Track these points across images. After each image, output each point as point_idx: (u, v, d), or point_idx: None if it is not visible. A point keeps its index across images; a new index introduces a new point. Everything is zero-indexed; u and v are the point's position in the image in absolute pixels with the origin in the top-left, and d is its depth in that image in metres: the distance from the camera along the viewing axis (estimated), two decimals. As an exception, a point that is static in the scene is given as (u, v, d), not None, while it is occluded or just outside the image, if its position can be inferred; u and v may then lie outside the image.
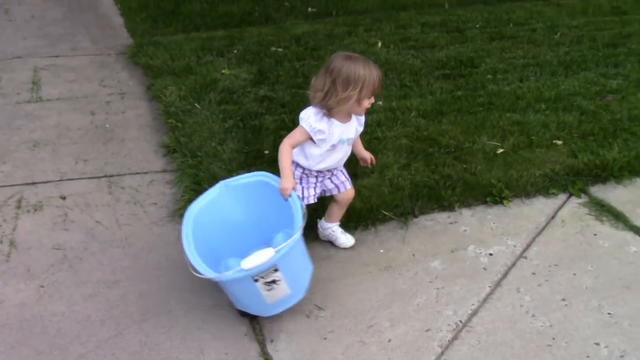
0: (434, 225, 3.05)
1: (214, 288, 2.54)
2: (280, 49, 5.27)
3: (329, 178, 2.68)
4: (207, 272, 2.17)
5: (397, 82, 4.57)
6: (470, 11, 6.71)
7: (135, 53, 5.12)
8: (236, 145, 3.57)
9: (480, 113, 4.05)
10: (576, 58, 5.15)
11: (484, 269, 2.74)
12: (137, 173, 3.44)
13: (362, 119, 2.61)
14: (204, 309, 2.49)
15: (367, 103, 2.42)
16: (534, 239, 2.95)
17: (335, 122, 2.46)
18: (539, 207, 3.21)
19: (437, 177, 3.29)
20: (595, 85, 4.55)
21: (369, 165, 2.85)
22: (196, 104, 4.07)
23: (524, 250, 2.87)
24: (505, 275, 2.71)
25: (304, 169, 2.59)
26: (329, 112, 2.42)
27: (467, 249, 2.87)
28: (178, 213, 3.03)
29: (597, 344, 2.34)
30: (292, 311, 2.46)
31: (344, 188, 2.72)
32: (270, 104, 4.15)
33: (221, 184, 2.56)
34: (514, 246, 2.89)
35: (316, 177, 2.63)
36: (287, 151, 2.44)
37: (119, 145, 3.73)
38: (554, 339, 2.36)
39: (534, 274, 2.71)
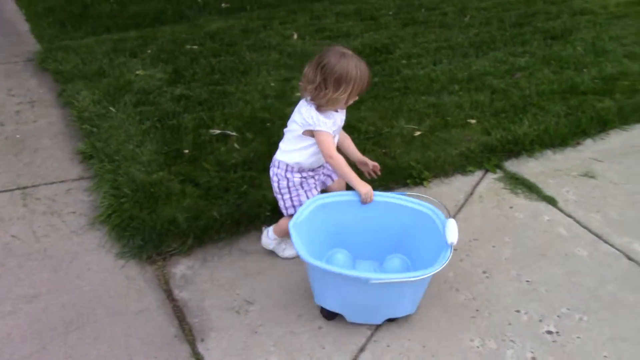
0: (357, 211, 3.09)
1: (140, 293, 2.50)
2: (195, 47, 5.20)
3: (322, 171, 2.67)
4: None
5: (314, 73, 4.59)
6: (383, -1, 6.82)
7: (44, 59, 4.93)
8: (155, 147, 3.51)
9: (397, 98, 4.12)
10: (486, 39, 5.31)
11: (408, 249, 2.80)
12: (52, 183, 3.33)
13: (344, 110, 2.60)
14: (130, 315, 2.44)
15: (352, 100, 2.44)
16: (454, 216, 3.04)
17: (333, 113, 2.47)
18: (458, 185, 3.30)
19: (358, 164, 3.34)
20: (504, 64, 4.71)
21: (372, 173, 2.76)
22: (111, 108, 3.97)
23: (445, 228, 2.95)
24: (428, 253, 2.78)
25: (301, 173, 2.56)
26: (318, 108, 2.41)
27: (392, 232, 2.93)
28: (98, 220, 2.96)
29: (518, 311, 2.44)
30: (221, 308, 2.45)
31: (336, 176, 2.71)
32: (188, 102, 4.10)
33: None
34: (436, 225, 2.97)
35: (313, 176, 2.61)
36: (341, 158, 2.44)
37: (32, 156, 3.60)
38: (477, 310, 2.45)
39: (455, 249, 2.79)
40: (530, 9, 6.30)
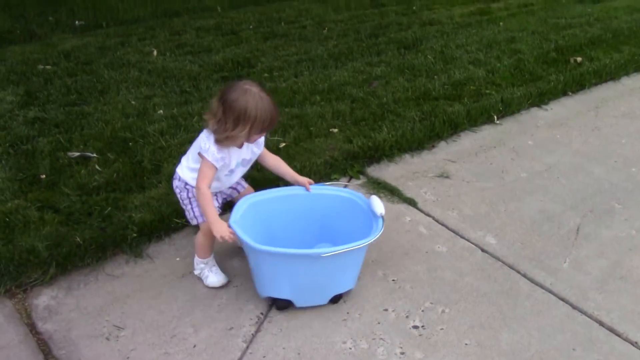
0: (227, 225, 3.10)
1: (-1, 329, 2.36)
2: (48, 67, 4.98)
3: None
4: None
5: (176, 89, 4.55)
6: (243, 13, 6.88)
7: None
8: (8, 174, 3.32)
9: (261, 111, 4.17)
10: (344, 50, 5.51)
11: (279, 259, 2.85)
12: None
13: (260, 140, 2.56)
14: (-11, 354, 2.29)
15: (256, 137, 2.43)
16: (322, 224, 3.12)
17: (232, 149, 2.45)
18: (324, 193, 3.40)
19: (225, 178, 3.34)
20: (362, 74, 4.91)
21: (309, 187, 2.72)
22: (-44, 135, 3.71)
23: (314, 235, 3.03)
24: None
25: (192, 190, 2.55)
26: (216, 141, 2.37)
27: (262, 243, 2.96)
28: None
29: (386, 309, 2.55)
30: (90, 337, 2.36)
31: (242, 187, 2.71)
32: (43, 125, 3.91)
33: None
34: (305, 233, 3.04)
35: (214, 193, 2.61)
36: (208, 194, 2.41)
37: None
38: (348, 312, 2.53)
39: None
40: (384, 20, 6.61)
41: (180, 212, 3.05)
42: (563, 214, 3.22)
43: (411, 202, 3.30)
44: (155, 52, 5.38)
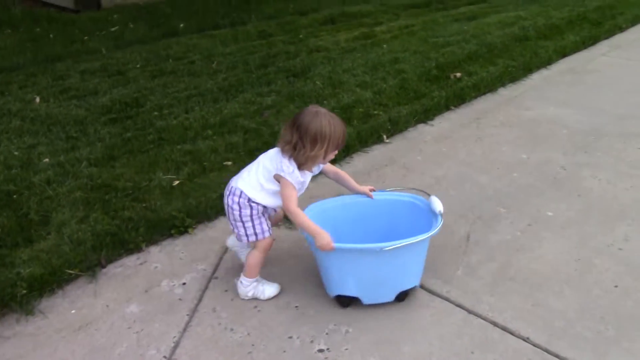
0: (124, 270, 3.02)
1: None
2: None
3: None
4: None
5: (62, 135, 4.41)
6: (129, 52, 6.77)
7: None
8: None
9: (153, 150, 4.12)
10: (234, 82, 5.53)
11: (180, 299, 2.80)
12: None
13: None
14: None
15: (331, 155, 2.61)
16: (221, 259, 3.10)
17: (306, 173, 2.65)
18: (222, 227, 3.38)
19: (119, 222, 3.26)
20: (253, 105, 4.95)
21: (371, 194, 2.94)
22: None
23: (214, 270, 3.01)
24: (200, 299, 2.80)
25: (264, 207, 2.67)
26: (299, 166, 2.54)
27: (161, 285, 2.90)
28: None
29: (290, 337, 2.56)
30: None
31: (279, 207, 2.76)
32: None
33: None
34: (204, 270, 3.01)
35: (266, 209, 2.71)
36: (301, 212, 2.56)
37: None
38: (253, 345, 2.52)
39: (226, 290, 2.85)
40: (272, 50, 6.70)
41: (72, 262, 2.96)
42: (454, 224, 3.35)
43: (309, 227, 3.34)
44: (37, 99, 5.19)
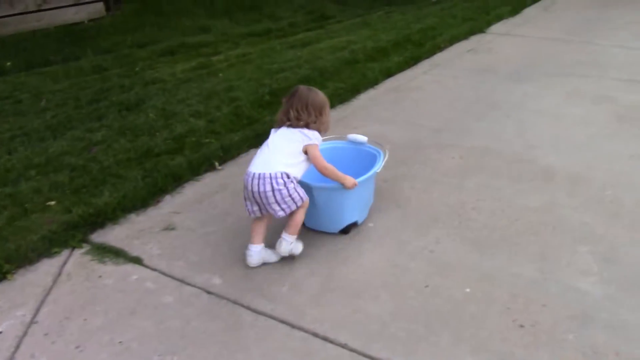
0: None
1: None
2: None
3: None
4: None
5: None
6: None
7: None
8: None
9: (-30, 196, 3.90)
10: (62, 120, 5.35)
11: (-4, 349, 2.67)
12: None
13: None
14: None
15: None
16: (42, 302, 2.99)
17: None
18: (45, 269, 3.27)
19: None
20: (82, 141, 4.81)
21: None
22: None
23: (34, 315, 2.90)
24: (18, 347, 2.69)
25: (295, 180, 3.12)
26: (320, 132, 3.27)
27: (-26, 337, 2.75)
28: None
29: (113, 373, 2.53)
30: None
31: None
32: None
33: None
34: (24, 315, 2.89)
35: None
36: (331, 165, 3.23)
37: None
38: (73, 387, 2.46)
39: (46, 334, 2.76)
40: (106, 84, 6.56)
41: None
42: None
43: (137, 261, 3.32)
44: None
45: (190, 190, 4.13)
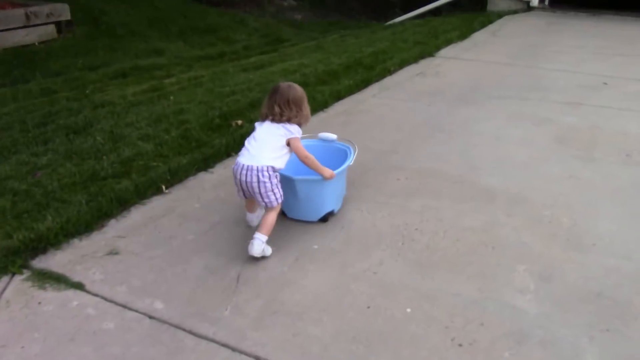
0: None
1: None
2: None
3: None
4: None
5: None
6: None
7: None
8: None
9: None
10: (7, 144, 5.28)
11: None
12: None
13: None
14: None
15: None
16: (-21, 330, 2.94)
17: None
18: (-19, 297, 3.21)
19: None
20: (26, 166, 4.75)
21: None
22: None
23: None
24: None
25: (278, 175, 3.54)
26: (300, 125, 3.65)
27: None
28: None
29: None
30: None
31: None
32: None
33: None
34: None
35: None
36: (311, 155, 3.65)
37: None
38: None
39: None
40: (54, 107, 6.50)
41: None
42: (226, 265, 3.48)
43: (78, 286, 3.28)
44: None
45: (136, 214, 4.11)
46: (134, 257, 3.58)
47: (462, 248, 3.66)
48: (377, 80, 7.56)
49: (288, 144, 3.55)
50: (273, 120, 3.56)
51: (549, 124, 5.76)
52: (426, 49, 9.18)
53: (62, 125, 5.77)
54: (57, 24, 10.70)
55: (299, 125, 3.62)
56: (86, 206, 4.04)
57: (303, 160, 3.63)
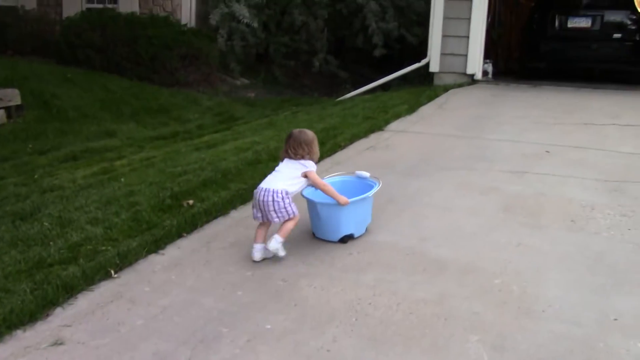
0: None
1: None
2: None
3: None
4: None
5: None
6: None
7: None
8: None
9: None
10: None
11: None
12: None
13: None
14: None
15: None
16: None
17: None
18: None
19: None
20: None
21: None
22: None
23: None
24: None
25: (290, 197, 4.36)
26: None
27: None
28: None
29: None
30: None
31: None
32: None
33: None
34: None
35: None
36: (329, 184, 4.59)
37: None
38: None
39: None
40: (1, 194, 6.39)
41: None
42: (175, 351, 3.39)
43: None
44: None
45: (83, 301, 4.00)
46: (80, 347, 3.47)
47: (415, 321, 3.66)
48: (328, 156, 7.66)
49: (305, 176, 4.38)
50: (290, 159, 4.40)
51: (495, 192, 5.91)
52: (376, 124, 9.38)
53: (8, 212, 5.66)
54: (7, 109, 10.63)
55: (313, 161, 4.44)
56: (31, 295, 3.92)
57: (322, 189, 4.44)
